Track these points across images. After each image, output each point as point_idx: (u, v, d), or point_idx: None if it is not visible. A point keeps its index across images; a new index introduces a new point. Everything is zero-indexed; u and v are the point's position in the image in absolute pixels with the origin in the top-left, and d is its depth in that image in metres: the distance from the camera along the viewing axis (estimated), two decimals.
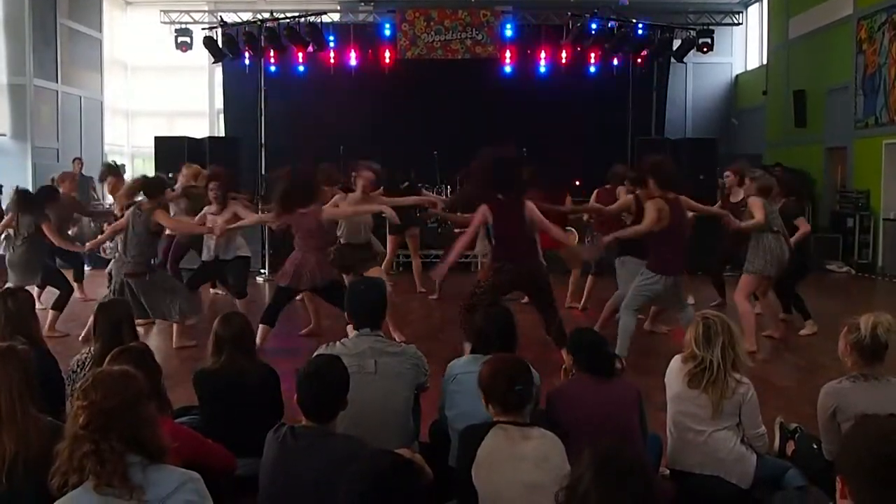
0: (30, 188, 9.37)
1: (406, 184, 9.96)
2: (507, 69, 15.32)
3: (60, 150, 15.27)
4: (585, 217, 9.05)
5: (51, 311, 7.63)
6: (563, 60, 15.42)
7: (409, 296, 9.81)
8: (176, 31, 16.25)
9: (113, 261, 7.71)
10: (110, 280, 7.53)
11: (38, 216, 7.59)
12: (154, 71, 18.55)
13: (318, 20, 15.03)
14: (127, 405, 2.21)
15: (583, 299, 8.84)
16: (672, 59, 15.64)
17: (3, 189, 12.09)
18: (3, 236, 7.85)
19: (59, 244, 7.94)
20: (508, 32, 15.38)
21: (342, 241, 7.75)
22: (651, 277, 6.41)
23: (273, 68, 15.35)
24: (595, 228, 8.55)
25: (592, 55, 15.39)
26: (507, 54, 15.29)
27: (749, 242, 7.13)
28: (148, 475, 2.18)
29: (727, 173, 8.63)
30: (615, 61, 15.38)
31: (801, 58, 15.38)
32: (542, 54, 15.34)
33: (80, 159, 14.47)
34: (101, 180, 9.41)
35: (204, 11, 17.11)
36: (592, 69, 15.48)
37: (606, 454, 1.93)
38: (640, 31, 14.88)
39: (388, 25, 15.42)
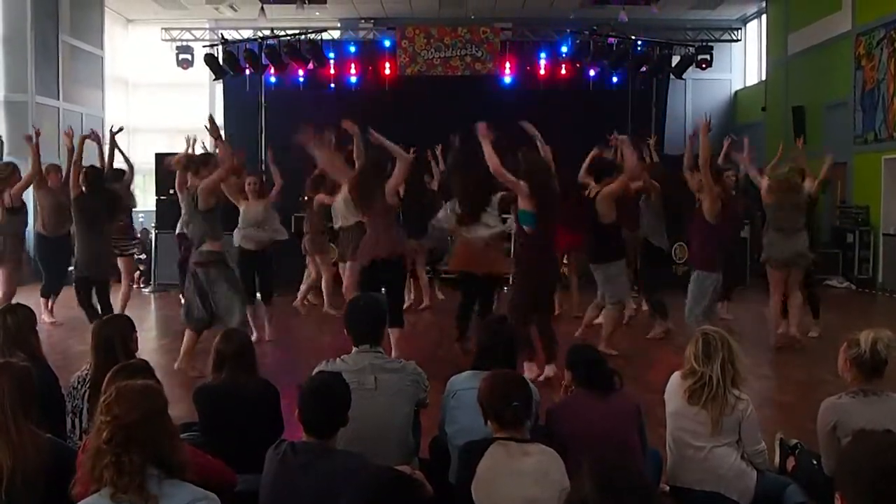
0: (30, 205, 9.41)
1: None
2: (507, 86, 15.39)
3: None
4: None
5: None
6: (563, 77, 15.50)
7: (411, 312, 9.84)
8: (177, 48, 16.33)
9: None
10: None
11: None
12: (155, 88, 18.60)
13: (319, 37, 15.13)
14: (148, 419, 2.23)
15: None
16: (671, 76, 15.71)
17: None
18: None
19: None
20: (507, 45, 15.45)
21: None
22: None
23: (273, 85, 15.44)
24: None
25: (591, 72, 15.50)
26: (507, 71, 15.37)
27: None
28: (163, 488, 2.19)
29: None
30: (614, 78, 15.46)
31: (799, 74, 15.43)
32: (542, 71, 15.42)
33: None
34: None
35: (205, 29, 17.19)
36: (592, 86, 15.56)
37: (608, 469, 1.88)
38: (639, 48, 14.97)
39: (388, 42, 15.52)
